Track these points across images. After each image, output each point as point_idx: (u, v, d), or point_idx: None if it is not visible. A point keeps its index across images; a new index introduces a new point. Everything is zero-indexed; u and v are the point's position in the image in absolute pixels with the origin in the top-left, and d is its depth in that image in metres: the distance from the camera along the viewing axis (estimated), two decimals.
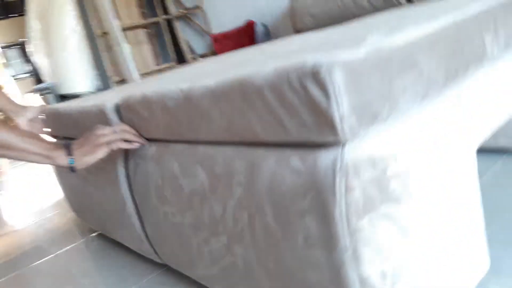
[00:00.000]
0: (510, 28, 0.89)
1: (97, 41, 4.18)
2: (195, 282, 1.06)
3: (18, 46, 7.95)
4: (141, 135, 0.97)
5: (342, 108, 0.51)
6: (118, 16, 4.38)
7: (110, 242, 1.55)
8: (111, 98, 1.08)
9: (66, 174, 1.53)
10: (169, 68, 4.74)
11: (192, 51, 4.87)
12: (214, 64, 1.19)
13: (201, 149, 0.79)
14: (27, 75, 7.94)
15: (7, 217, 2.37)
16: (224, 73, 0.72)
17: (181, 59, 4.82)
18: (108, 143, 0.95)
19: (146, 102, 0.87)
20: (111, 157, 1.06)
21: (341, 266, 0.57)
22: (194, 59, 4.74)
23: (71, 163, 0.94)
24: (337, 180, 0.54)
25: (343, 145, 0.55)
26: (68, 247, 1.64)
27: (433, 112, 0.68)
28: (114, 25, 3.93)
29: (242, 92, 0.63)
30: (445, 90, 0.73)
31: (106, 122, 1.03)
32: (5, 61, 7.95)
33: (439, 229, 0.66)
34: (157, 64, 4.82)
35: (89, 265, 1.45)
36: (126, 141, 0.97)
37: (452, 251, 0.69)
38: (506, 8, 0.87)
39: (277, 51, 0.99)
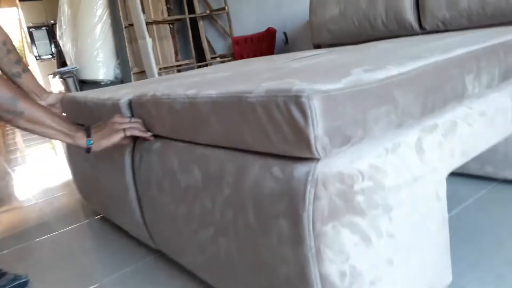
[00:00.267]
0: (493, 69, 0.97)
1: (123, 32, 4.27)
2: (185, 269, 1.15)
3: (45, 28, 8.05)
4: (149, 130, 1.08)
5: (317, 129, 0.61)
6: (145, 10, 4.49)
7: (111, 226, 1.63)
8: (125, 94, 1.18)
9: (76, 158, 1.62)
10: (188, 64, 4.84)
11: (212, 50, 4.97)
12: (224, 73, 1.29)
13: (199, 149, 0.89)
14: (50, 56, 8.06)
15: (18, 192, 2.45)
16: (228, 85, 0.82)
17: (201, 57, 4.91)
18: (124, 129, 1.06)
19: (156, 102, 0.97)
20: (120, 147, 1.16)
21: (306, 263, 0.66)
22: (214, 58, 4.83)
23: (89, 144, 1.05)
24: (308, 189, 0.63)
25: (317, 160, 0.64)
26: (72, 226, 1.72)
27: (407, 138, 0.76)
28: (141, 19, 4.01)
29: (238, 106, 0.72)
30: (423, 121, 0.81)
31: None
32: (30, 41, 8.09)
33: (403, 241, 0.73)
34: (177, 60, 4.92)
35: (90, 245, 1.53)
36: None
37: (414, 262, 0.77)
38: (489, 51, 0.96)
39: (281, 68, 1.08)
